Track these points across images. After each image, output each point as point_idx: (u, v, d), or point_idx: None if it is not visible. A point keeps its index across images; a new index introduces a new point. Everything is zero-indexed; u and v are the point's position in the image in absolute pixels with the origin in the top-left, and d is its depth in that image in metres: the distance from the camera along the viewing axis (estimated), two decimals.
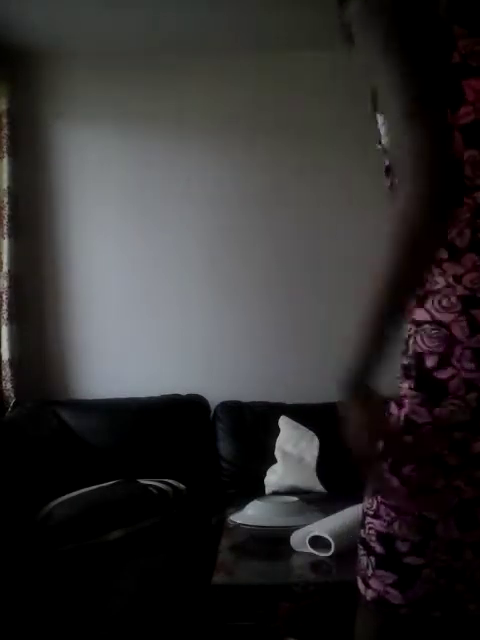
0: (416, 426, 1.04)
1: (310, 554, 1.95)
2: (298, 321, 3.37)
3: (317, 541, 1.95)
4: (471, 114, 1.00)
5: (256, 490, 2.80)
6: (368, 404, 1.05)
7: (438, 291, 1.02)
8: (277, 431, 3.04)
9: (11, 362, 3.19)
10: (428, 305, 1.03)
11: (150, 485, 2.63)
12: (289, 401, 3.18)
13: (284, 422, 3.06)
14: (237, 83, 3.37)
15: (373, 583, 1.09)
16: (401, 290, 1.01)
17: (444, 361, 1.01)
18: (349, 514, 2.07)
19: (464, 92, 1.00)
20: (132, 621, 1.85)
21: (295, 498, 2.38)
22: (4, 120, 3.22)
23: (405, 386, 1.08)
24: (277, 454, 2.98)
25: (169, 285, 3.40)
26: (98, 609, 1.89)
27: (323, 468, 2.87)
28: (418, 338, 1.05)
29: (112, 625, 1.83)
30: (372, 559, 1.09)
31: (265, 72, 3.36)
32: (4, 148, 3.21)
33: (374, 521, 1.08)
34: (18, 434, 2.82)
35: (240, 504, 2.38)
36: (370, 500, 1.09)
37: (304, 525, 2.04)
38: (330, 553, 1.91)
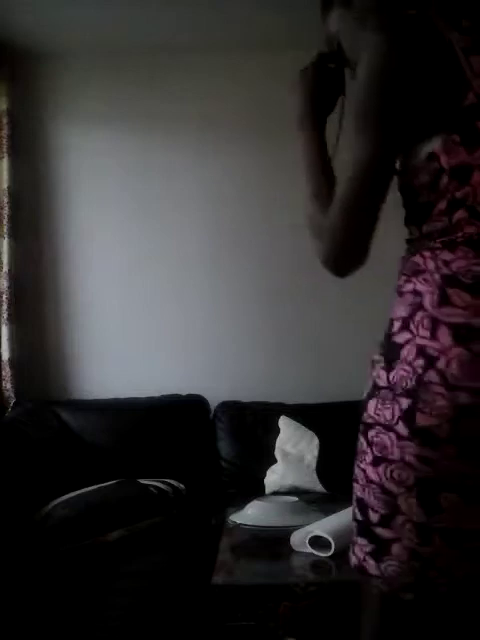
0: (378, 388, 1.08)
1: (310, 554, 1.95)
2: (298, 321, 3.37)
3: (317, 541, 1.94)
4: None
5: (256, 490, 2.80)
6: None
7: (426, 270, 1.07)
8: (277, 431, 3.04)
9: (11, 362, 3.19)
10: (414, 279, 1.09)
11: (150, 485, 2.63)
12: (289, 401, 3.18)
13: (284, 422, 3.06)
14: (237, 83, 3.37)
15: (356, 550, 1.13)
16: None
17: (405, 326, 1.07)
18: (349, 514, 2.07)
19: (468, 69, 1.01)
20: (132, 621, 1.85)
21: (295, 498, 2.38)
22: (4, 120, 3.23)
23: (377, 352, 1.13)
24: (277, 454, 2.98)
25: (169, 285, 3.40)
26: (98, 609, 1.89)
27: (323, 468, 2.87)
28: (396, 305, 1.12)
29: (112, 625, 1.82)
30: (354, 525, 1.13)
31: (266, 71, 3.36)
32: (4, 148, 3.21)
33: (355, 485, 1.13)
34: (18, 434, 2.83)
35: (240, 504, 2.38)
36: (355, 466, 1.13)
37: (304, 525, 2.04)
38: (330, 553, 1.91)
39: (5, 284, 3.20)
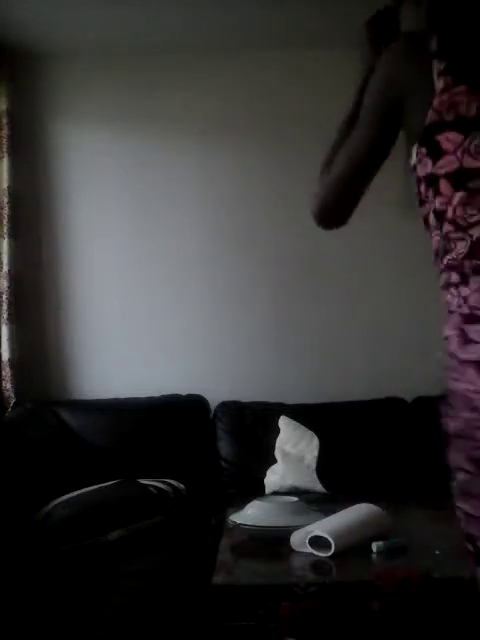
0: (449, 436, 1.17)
1: (310, 554, 1.95)
2: (298, 321, 3.37)
3: (317, 541, 1.95)
4: (454, 162, 1.14)
5: (256, 490, 2.80)
6: None
7: (453, 311, 1.16)
8: (277, 431, 3.04)
9: (11, 362, 3.19)
10: (447, 324, 1.17)
11: (150, 485, 2.63)
12: (289, 401, 3.18)
13: (284, 422, 3.05)
14: (238, 82, 3.37)
15: (478, 575, 1.17)
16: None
17: (449, 373, 1.15)
18: (349, 514, 2.07)
19: (441, 145, 1.15)
20: (132, 621, 1.85)
21: (295, 498, 2.38)
22: (4, 120, 3.22)
23: None
24: (277, 454, 2.97)
25: (169, 285, 3.40)
26: (98, 609, 1.89)
27: (323, 468, 2.87)
28: (442, 352, 1.20)
29: (112, 625, 1.83)
30: (470, 557, 1.18)
31: (266, 71, 3.36)
32: (4, 148, 3.21)
33: (461, 523, 1.17)
34: (18, 434, 2.83)
35: (240, 504, 2.38)
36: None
37: (304, 525, 2.04)
38: (330, 553, 1.91)
39: (5, 284, 3.20)
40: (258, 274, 3.39)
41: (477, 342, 1.10)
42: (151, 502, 2.54)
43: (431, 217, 1.19)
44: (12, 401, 3.17)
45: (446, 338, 1.16)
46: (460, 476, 1.13)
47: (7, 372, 3.19)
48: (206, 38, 3.23)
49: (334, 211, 1.34)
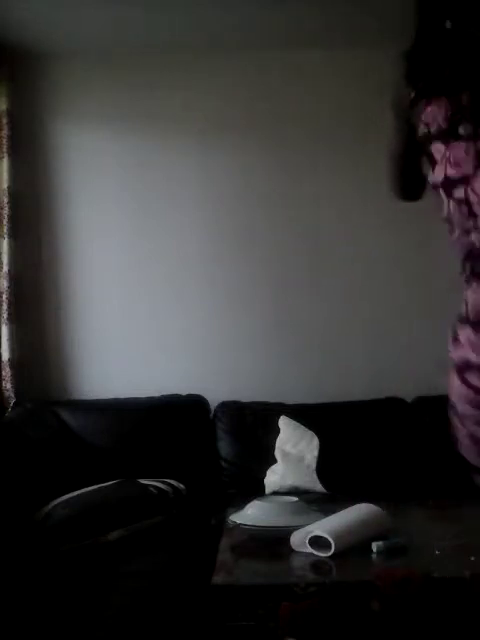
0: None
1: (310, 554, 1.95)
2: (298, 321, 3.37)
3: (317, 541, 1.94)
4: (442, 172, 1.23)
5: (256, 490, 2.80)
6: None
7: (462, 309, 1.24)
8: (277, 431, 3.04)
9: (11, 362, 3.19)
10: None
11: (150, 485, 2.63)
12: (289, 401, 3.18)
13: (284, 422, 3.05)
14: (238, 82, 3.37)
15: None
16: None
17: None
18: (349, 514, 2.07)
19: (434, 156, 1.24)
20: (132, 621, 1.85)
21: (295, 498, 2.38)
22: (4, 120, 3.23)
23: None
24: (277, 454, 2.98)
25: (169, 285, 3.40)
26: (98, 609, 1.89)
27: (323, 468, 2.87)
28: None
29: (112, 625, 1.83)
30: None
31: (266, 72, 3.36)
32: (4, 148, 3.21)
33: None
34: (18, 434, 2.83)
35: (240, 504, 2.38)
36: None
37: (304, 525, 2.04)
38: (330, 553, 1.91)
39: (5, 284, 3.20)
40: (258, 274, 3.39)
41: (461, 343, 1.19)
42: (151, 502, 2.54)
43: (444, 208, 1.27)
44: (12, 401, 3.17)
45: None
46: None
47: (7, 372, 3.19)
48: (206, 38, 3.23)
49: (398, 188, 1.49)
